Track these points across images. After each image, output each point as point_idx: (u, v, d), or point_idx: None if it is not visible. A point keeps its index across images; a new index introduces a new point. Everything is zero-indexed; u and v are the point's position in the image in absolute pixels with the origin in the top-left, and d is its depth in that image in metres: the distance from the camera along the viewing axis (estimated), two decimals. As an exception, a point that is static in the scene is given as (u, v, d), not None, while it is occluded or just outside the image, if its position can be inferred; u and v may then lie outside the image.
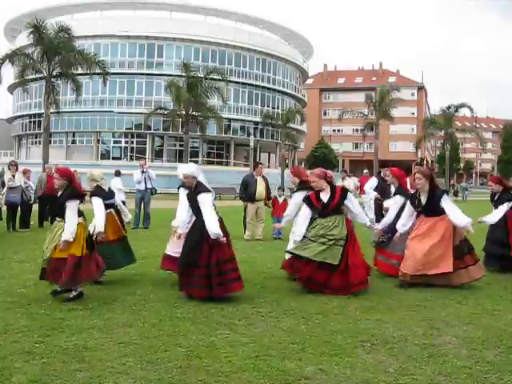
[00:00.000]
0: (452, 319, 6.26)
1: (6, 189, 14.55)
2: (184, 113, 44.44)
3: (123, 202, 11.40)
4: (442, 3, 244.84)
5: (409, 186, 9.50)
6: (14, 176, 14.71)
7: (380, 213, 11.54)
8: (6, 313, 6.24)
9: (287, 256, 8.12)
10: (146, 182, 15.78)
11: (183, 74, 44.23)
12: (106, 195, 8.02)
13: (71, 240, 6.67)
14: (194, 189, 7.08)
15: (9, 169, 15.08)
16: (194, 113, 44.81)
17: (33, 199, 15.21)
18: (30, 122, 63.32)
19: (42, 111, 40.51)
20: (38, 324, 5.77)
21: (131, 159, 55.96)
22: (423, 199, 8.03)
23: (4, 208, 15.05)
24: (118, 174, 16.61)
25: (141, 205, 16.14)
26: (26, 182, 14.97)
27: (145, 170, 15.89)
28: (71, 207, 6.79)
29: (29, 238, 13.14)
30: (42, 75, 37.39)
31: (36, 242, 11.90)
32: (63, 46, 35.64)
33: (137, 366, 4.64)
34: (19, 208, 14.97)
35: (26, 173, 15.34)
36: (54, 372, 4.46)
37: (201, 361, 4.78)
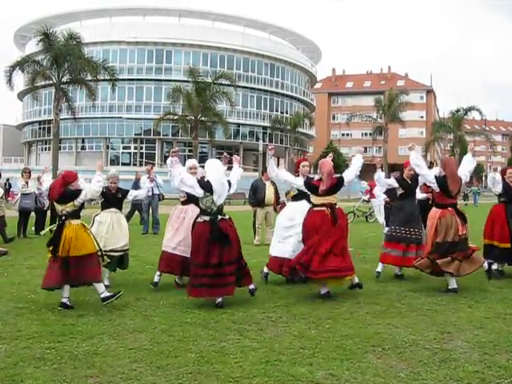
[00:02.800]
0: (463, 323, 6.21)
1: (19, 195, 14.66)
2: (193, 118, 44.58)
3: None
4: (450, 6, 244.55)
5: (418, 190, 9.46)
6: (27, 183, 14.84)
7: (389, 217, 11.50)
8: (16, 319, 6.26)
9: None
10: (152, 188, 15.59)
11: (191, 79, 44.42)
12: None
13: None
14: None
15: (22, 175, 15.20)
16: (202, 118, 44.95)
17: (47, 205, 15.27)
18: (39, 128, 63.77)
19: (52, 118, 40.79)
20: (49, 330, 5.79)
21: (140, 165, 56.13)
22: None
23: (16, 214, 15.12)
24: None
25: (149, 210, 16.27)
26: (39, 189, 15.05)
27: (151, 175, 15.67)
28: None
29: (39, 244, 13.17)
30: (51, 82, 37.65)
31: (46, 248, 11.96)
32: (72, 53, 35.88)
33: (147, 371, 4.65)
34: (33, 214, 15.07)
35: (39, 179, 15.43)
36: (65, 378, 4.47)
37: (211, 366, 4.77)
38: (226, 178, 7.21)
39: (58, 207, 7.06)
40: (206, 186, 6.96)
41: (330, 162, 7.86)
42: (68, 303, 6.85)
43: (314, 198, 7.78)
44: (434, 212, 8.09)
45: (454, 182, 8.04)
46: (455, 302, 7.30)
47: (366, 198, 24.60)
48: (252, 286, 7.36)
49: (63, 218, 6.99)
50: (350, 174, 7.99)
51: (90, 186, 7.28)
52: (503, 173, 9.68)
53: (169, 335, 5.67)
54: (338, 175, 7.87)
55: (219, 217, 7.04)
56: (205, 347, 5.29)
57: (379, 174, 9.07)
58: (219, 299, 6.90)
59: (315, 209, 7.67)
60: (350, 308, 6.91)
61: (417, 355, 5.11)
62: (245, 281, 7.28)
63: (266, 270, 8.76)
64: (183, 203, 8.24)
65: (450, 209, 8.00)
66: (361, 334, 5.74)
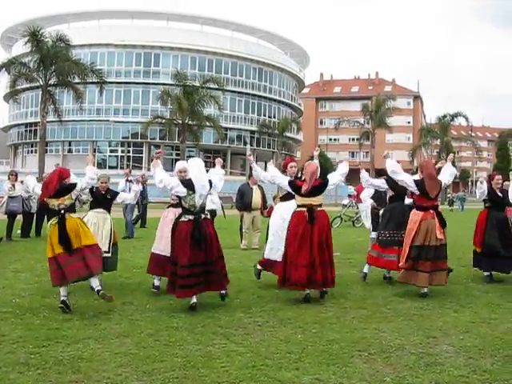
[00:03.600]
0: (449, 328, 6.24)
1: (6, 198, 14.53)
2: (180, 122, 44.53)
3: None
4: (438, 13, 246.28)
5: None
6: (13, 185, 14.70)
7: (377, 221, 11.54)
8: (0, 323, 6.20)
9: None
10: (129, 191, 15.08)
11: (179, 83, 44.40)
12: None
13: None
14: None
15: (8, 178, 15.06)
16: (190, 122, 44.92)
17: (35, 208, 15.16)
18: (25, 130, 63.31)
19: (38, 120, 40.57)
20: (34, 334, 5.74)
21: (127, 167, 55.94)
22: None
23: (4, 217, 14.98)
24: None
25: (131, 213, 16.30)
26: (27, 192, 14.93)
27: (129, 178, 15.34)
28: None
29: (25, 247, 13.10)
30: (38, 84, 37.46)
31: (32, 251, 11.88)
32: (60, 55, 35.70)
33: (133, 376, 4.62)
34: (20, 217, 14.95)
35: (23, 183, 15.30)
36: (50, 383, 4.44)
37: (197, 371, 4.76)
38: (207, 177, 7.23)
39: (54, 202, 7.01)
40: (189, 184, 6.99)
41: (315, 164, 7.95)
42: (68, 302, 6.82)
43: (297, 199, 7.85)
44: (415, 215, 8.12)
45: (432, 184, 8.09)
46: (441, 306, 7.34)
47: (346, 202, 24.87)
48: (223, 292, 7.26)
49: (62, 212, 6.98)
50: (335, 176, 8.07)
51: (84, 178, 7.35)
52: (491, 178, 9.78)
53: (155, 340, 5.64)
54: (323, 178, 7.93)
55: (202, 216, 7.07)
56: (191, 352, 5.27)
57: (363, 174, 9.12)
58: (222, 291, 7.14)
59: (297, 209, 7.78)
60: (337, 313, 6.92)
61: (403, 359, 5.12)
62: (220, 284, 7.22)
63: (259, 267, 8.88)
64: (175, 206, 8.10)
65: (431, 211, 8.07)
66: (347, 339, 5.74)
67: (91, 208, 8.61)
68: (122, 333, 5.88)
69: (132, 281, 8.94)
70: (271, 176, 8.20)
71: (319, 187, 7.79)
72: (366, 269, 9.21)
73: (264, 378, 4.60)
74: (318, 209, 7.73)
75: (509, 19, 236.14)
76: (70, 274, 6.78)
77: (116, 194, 8.91)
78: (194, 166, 7.25)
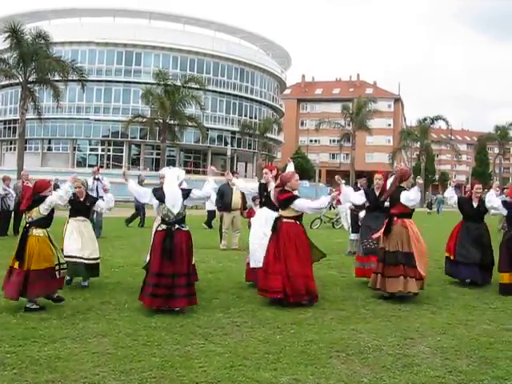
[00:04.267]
0: (426, 329, 6.31)
1: None
2: (161, 121, 44.38)
3: None
4: (420, 17, 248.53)
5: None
6: None
7: (355, 223, 11.63)
8: (-23, 322, 6.13)
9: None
10: (97, 190, 14.25)
11: (160, 82, 44.25)
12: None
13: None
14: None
15: None
16: (171, 121, 44.79)
17: (12, 207, 14.99)
18: (4, 127, 62.54)
19: (17, 117, 40.11)
20: (10, 334, 5.69)
21: (107, 167, 55.69)
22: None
23: None
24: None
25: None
26: (5, 190, 14.76)
27: (97, 177, 14.93)
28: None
29: (2, 245, 12.93)
30: (17, 81, 37.04)
31: (9, 249, 11.73)
32: (40, 52, 35.33)
33: (111, 376, 4.60)
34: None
35: (5, 180, 15.13)
36: (26, 383, 4.40)
37: (175, 371, 4.75)
38: (178, 187, 7.09)
39: (26, 214, 7.01)
40: (160, 195, 7.05)
41: (288, 176, 7.82)
42: (34, 306, 6.76)
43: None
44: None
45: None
46: (418, 308, 7.41)
47: (332, 204, 24.85)
48: (177, 308, 6.85)
49: (27, 225, 6.91)
50: (304, 204, 7.66)
51: (56, 192, 7.16)
52: (471, 187, 9.79)
53: (133, 339, 5.62)
54: (291, 194, 7.68)
55: (176, 226, 6.99)
56: (169, 352, 5.26)
57: (345, 190, 8.92)
58: (177, 308, 6.82)
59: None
60: (315, 313, 6.95)
61: (380, 360, 5.17)
62: (187, 300, 6.91)
63: None
64: None
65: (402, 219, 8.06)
66: (325, 340, 5.77)
67: (71, 216, 8.44)
68: (100, 332, 5.84)
69: (110, 280, 8.89)
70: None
71: (283, 202, 7.69)
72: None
73: (242, 379, 4.60)
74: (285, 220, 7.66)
75: (490, 24, 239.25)
76: (8, 290, 6.81)
77: (95, 200, 8.74)
78: (168, 177, 7.17)
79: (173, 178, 7.17)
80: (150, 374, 4.65)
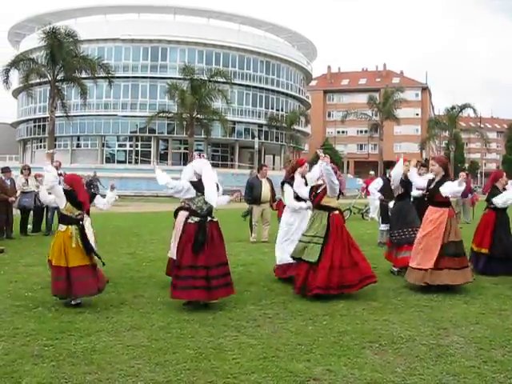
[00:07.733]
0: (459, 319, 6.26)
1: (19, 193, 14.56)
2: (188, 116, 44.57)
3: None
4: (447, 4, 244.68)
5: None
6: (27, 180, 14.73)
7: (385, 214, 11.54)
8: (14, 316, 6.27)
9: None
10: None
11: (187, 77, 44.40)
12: None
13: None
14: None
15: (21, 173, 15.09)
16: (198, 116, 44.94)
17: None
18: (34, 126, 63.50)
19: (47, 115, 40.67)
20: (47, 327, 5.80)
21: (136, 162, 56.21)
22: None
23: (18, 212, 15.01)
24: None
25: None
26: (38, 187, 14.95)
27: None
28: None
29: (36, 241, 13.17)
30: (46, 80, 37.54)
31: (43, 245, 11.95)
32: (68, 51, 35.82)
33: (145, 368, 4.67)
34: (31, 212, 15.00)
35: (38, 177, 15.32)
36: (64, 375, 4.49)
37: (209, 363, 4.80)
38: (215, 179, 7.00)
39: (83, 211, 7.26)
40: (198, 186, 6.87)
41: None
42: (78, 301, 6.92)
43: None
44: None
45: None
46: (451, 298, 7.35)
47: (362, 194, 24.80)
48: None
49: (81, 222, 7.18)
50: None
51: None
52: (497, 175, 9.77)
53: (166, 332, 5.68)
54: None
55: (208, 218, 6.96)
56: (202, 344, 5.31)
57: (412, 171, 8.69)
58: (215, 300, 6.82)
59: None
60: (347, 304, 6.94)
61: (413, 350, 5.14)
62: (226, 290, 6.91)
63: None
64: (185, 208, 7.91)
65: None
66: (358, 330, 5.77)
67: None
68: (134, 325, 5.93)
69: (142, 274, 8.99)
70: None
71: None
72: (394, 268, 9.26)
73: (275, 370, 4.63)
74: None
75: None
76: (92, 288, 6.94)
77: (94, 195, 8.55)
78: (206, 169, 6.99)
79: (212, 171, 7.12)
80: (185, 366, 4.70)
